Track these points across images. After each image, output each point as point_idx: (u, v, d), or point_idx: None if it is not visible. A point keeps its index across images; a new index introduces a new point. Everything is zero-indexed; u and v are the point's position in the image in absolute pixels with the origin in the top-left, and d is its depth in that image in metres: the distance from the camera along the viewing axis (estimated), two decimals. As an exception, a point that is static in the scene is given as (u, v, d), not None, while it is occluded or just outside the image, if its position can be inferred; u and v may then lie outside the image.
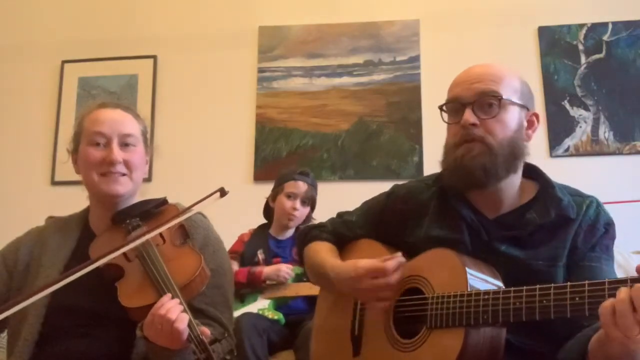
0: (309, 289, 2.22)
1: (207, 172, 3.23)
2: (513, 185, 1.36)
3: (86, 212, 1.63)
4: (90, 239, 1.52)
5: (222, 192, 1.37)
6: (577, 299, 1.03)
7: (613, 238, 1.33)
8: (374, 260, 1.30)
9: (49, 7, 3.63)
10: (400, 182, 1.60)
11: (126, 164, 1.50)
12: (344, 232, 1.58)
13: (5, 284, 1.50)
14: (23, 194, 3.32)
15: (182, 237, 1.53)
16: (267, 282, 2.33)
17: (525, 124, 1.36)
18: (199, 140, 3.34)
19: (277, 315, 2.26)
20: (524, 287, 1.11)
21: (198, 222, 1.56)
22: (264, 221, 2.63)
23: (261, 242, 2.49)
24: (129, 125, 1.55)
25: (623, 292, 0.96)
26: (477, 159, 1.30)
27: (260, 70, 3.38)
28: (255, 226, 2.62)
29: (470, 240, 1.33)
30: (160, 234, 1.44)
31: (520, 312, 1.10)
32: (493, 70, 1.35)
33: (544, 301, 1.07)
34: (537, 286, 1.09)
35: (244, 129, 3.32)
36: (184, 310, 1.24)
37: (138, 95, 3.40)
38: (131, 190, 1.53)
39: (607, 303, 0.98)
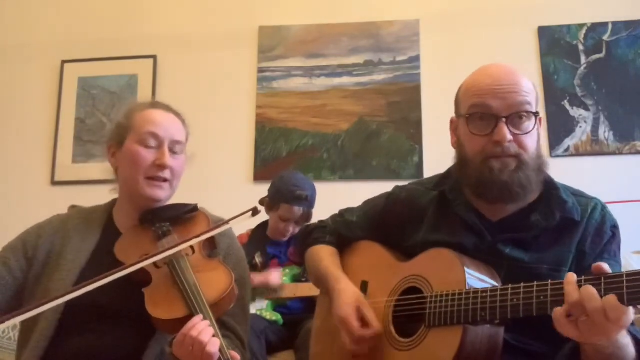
0: (308, 290, 2.21)
1: (207, 172, 3.21)
2: None
3: (110, 206, 1.62)
4: (114, 235, 1.51)
5: (254, 212, 1.38)
6: None
7: (619, 242, 1.32)
8: (360, 313, 1.33)
9: (49, 7, 3.63)
10: (401, 183, 1.59)
11: (171, 170, 1.51)
12: (345, 233, 1.59)
13: (22, 270, 1.49)
14: (23, 194, 3.32)
15: (210, 247, 1.52)
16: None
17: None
18: (198, 140, 3.32)
19: (275, 316, 2.26)
20: (522, 284, 1.11)
21: (225, 231, 1.55)
22: (263, 220, 2.57)
23: (259, 246, 2.47)
24: (180, 131, 1.57)
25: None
26: (515, 176, 1.26)
27: (260, 70, 3.38)
28: (254, 226, 2.58)
29: (472, 243, 1.31)
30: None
31: (517, 309, 1.10)
32: (522, 80, 1.30)
33: (542, 297, 1.06)
34: (535, 283, 1.09)
35: (244, 129, 3.31)
36: (215, 334, 1.23)
37: (138, 96, 3.39)
38: (169, 196, 1.55)
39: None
